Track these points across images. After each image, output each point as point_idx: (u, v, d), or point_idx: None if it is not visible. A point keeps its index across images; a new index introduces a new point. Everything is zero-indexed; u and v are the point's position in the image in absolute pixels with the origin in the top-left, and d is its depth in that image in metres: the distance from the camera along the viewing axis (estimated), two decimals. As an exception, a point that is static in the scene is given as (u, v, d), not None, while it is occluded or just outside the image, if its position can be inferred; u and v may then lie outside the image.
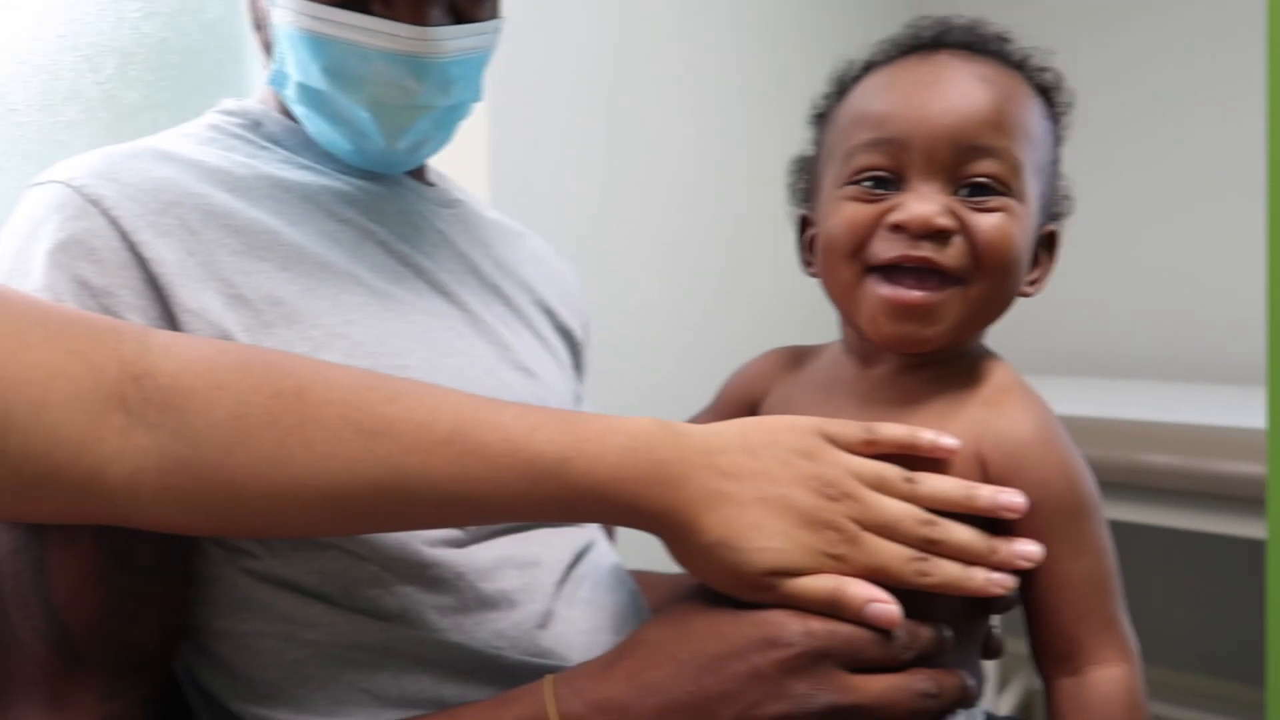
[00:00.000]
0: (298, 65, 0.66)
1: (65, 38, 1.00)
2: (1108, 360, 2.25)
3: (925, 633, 0.55)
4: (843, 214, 0.60)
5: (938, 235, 0.57)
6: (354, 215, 0.69)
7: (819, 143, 0.68)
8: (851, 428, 0.57)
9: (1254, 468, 1.44)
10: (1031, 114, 0.61)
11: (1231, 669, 2.08)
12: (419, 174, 0.80)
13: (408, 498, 0.51)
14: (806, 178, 0.69)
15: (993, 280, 0.58)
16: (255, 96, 0.76)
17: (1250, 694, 2.04)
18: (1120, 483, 1.53)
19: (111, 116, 1.02)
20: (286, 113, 0.73)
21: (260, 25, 0.69)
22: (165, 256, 0.58)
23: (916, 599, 0.53)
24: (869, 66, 0.66)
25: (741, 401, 0.73)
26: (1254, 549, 1.89)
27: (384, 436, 0.51)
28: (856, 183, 0.61)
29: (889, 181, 0.60)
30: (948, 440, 0.57)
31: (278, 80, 0.68)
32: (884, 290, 0.59)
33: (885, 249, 0.58)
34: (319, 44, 0.64)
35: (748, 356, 0.78)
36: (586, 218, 1.53)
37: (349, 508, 0.51)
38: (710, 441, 0.55)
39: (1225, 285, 2.12)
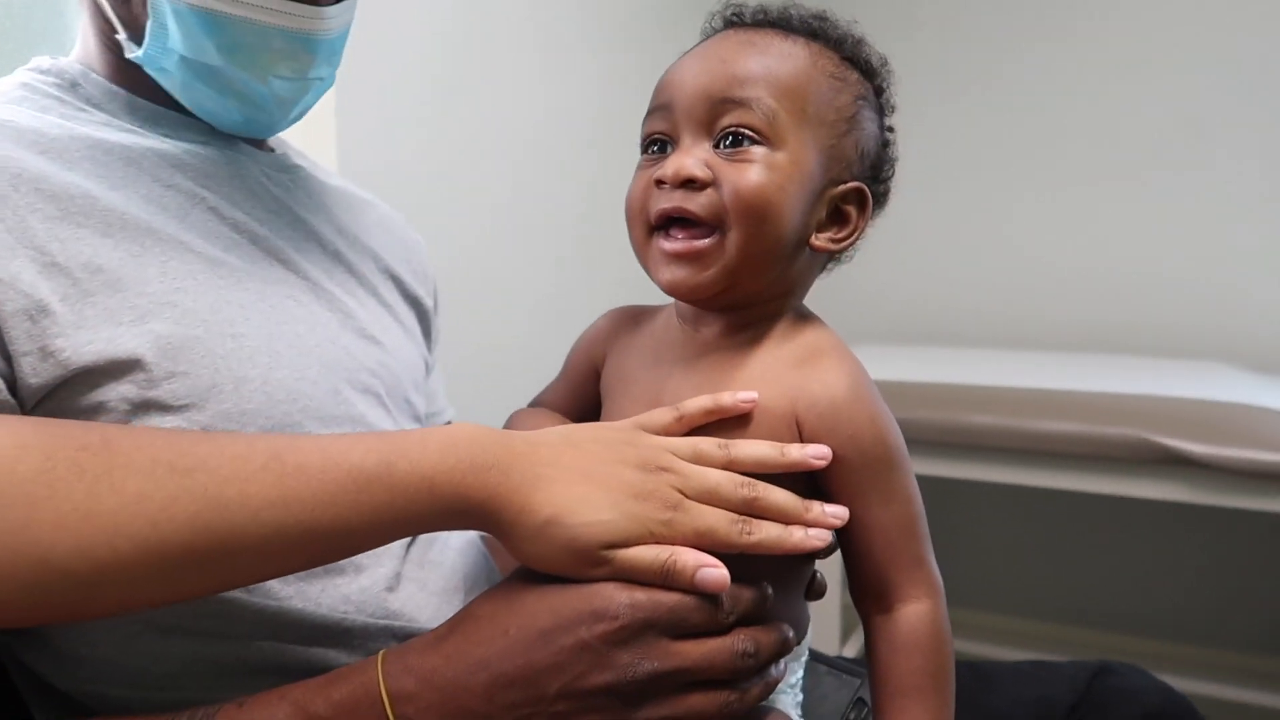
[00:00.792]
0: (187, 41, 0.64)
1: None
2: (938, 329, 2.39)
3: (747, 594, 0.58)
4: (634, 181, 0.65)
5: (691, 185, 0.61)
6: (181, 180, 0.67)
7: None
8: (659, 414, 0.62)
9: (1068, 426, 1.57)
10: (802, 70, 0.63)
11: (1040, 609, 2.26)
12: (258, 140, 0.78)
13: (230, 532, 0.50)
14: None
15: (747, 227, 0.60)
16: (72, 56, 0.72)
17: (1058, 632, 2.22)
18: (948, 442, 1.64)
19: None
20: (110, 75, 0.70)
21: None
22: None
23: (742, 556, 0.57)
24: None
25: (585, 367, 0.75)
26: (1065, 499, 2.05)
27: (198, 471, 0.50)
28: (644, 149, 0.66)
29: (667, 145, 0.64)
30: (745, 395, 0.61)
31: (152, 55, 0.66)
32: (658, 242, 0.63)
33: (654, 204, 0.63)
34: (216, 21, 0.63)
35: (604, 324, 0.79)
36: (435, 183, 1.51)
37: (168, 554, 0.48)
38: (531, 436, 0.58)
39: (1048, 256, 2.28)
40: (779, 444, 0.60)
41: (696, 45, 0.67)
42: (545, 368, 0.82)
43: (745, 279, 0.62)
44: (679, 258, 0.62)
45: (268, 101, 0.68)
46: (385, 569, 0.67)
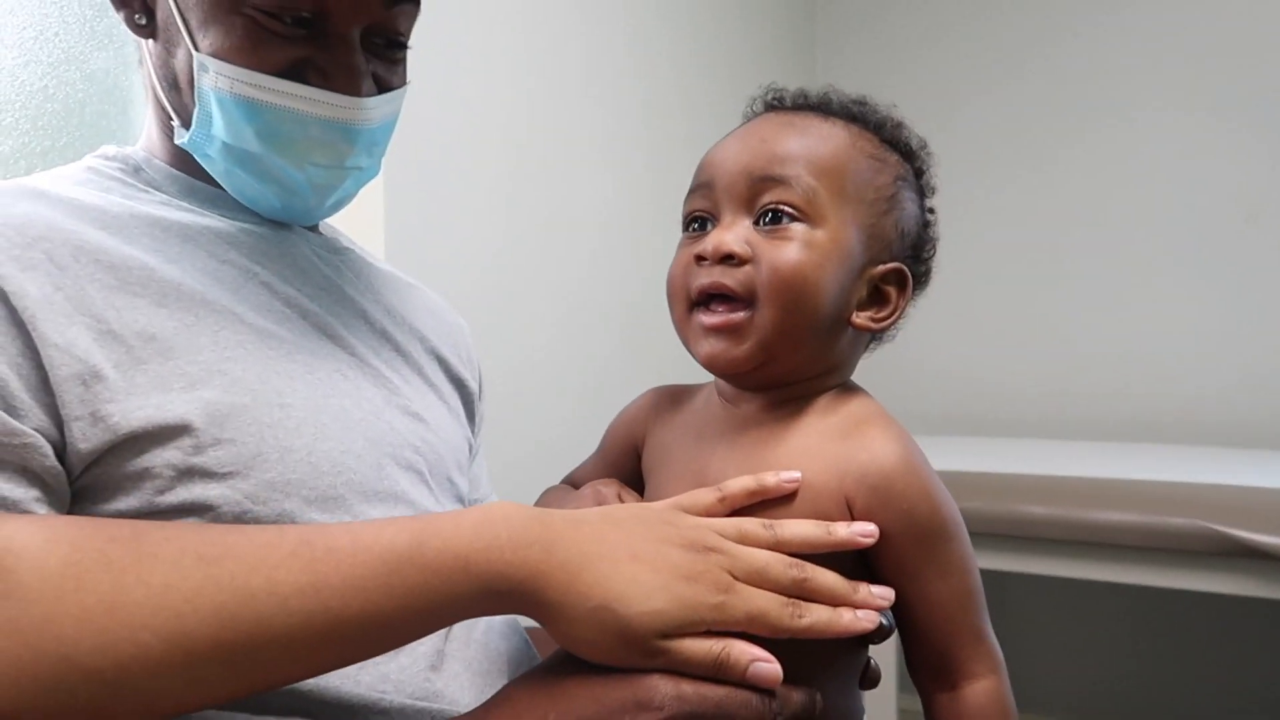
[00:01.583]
0: (229, 128, 0.67)
1: (-61, 86, 0.97)
2: (989, 420, 2.34)
3: (797, 695, 0.56)
4: (675, 258, 0.66)
5: (730, 261, 0.62)
6: (236, 256, 0.69)
7: None
8: (701, 494, 0.61)
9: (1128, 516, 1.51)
10: (843, 150, 0.64)
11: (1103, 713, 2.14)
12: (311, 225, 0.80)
13: (257, 623, 0.48)
14: None
15: (781, 303, 0.60)
16: (138, 145, 0.76)
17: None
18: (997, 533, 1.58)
19: (-15, 165, 0.98)
20: (171, 161, 0.73)
21: (177, 86, 0.69)
22: (28, 290, 0.57)
23: (794, 641, 0.55)
24: None
25: (624, 444, 0.75)
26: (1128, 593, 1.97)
27: (226, 559, 0.49)
28: (686, 227, 0.67)
29: (708, 222, 0.65)
30: (789, 475, 0.60)
31: (198, 141, 0.69)
32: (698, 317, 0.63)
33: (694, 280, 0.63)
34: (256, 109, 0.66)
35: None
36: (483, 272, 1.54)
37: (193, 649, 0.47)
38: (571, 514, 0.57)
39: (1099, 343, 2.24)
40: (826, 523, 0.58)
41: (738, 127, 0.68)
42: (589, 453, 0.81)
43: (782, 354, 0.62)
44: (716, 331, 0.62)
45: (304, 188, 0.70)
46: (427, 647, 0.65)
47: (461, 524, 0.53)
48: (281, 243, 0.74)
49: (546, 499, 0.75)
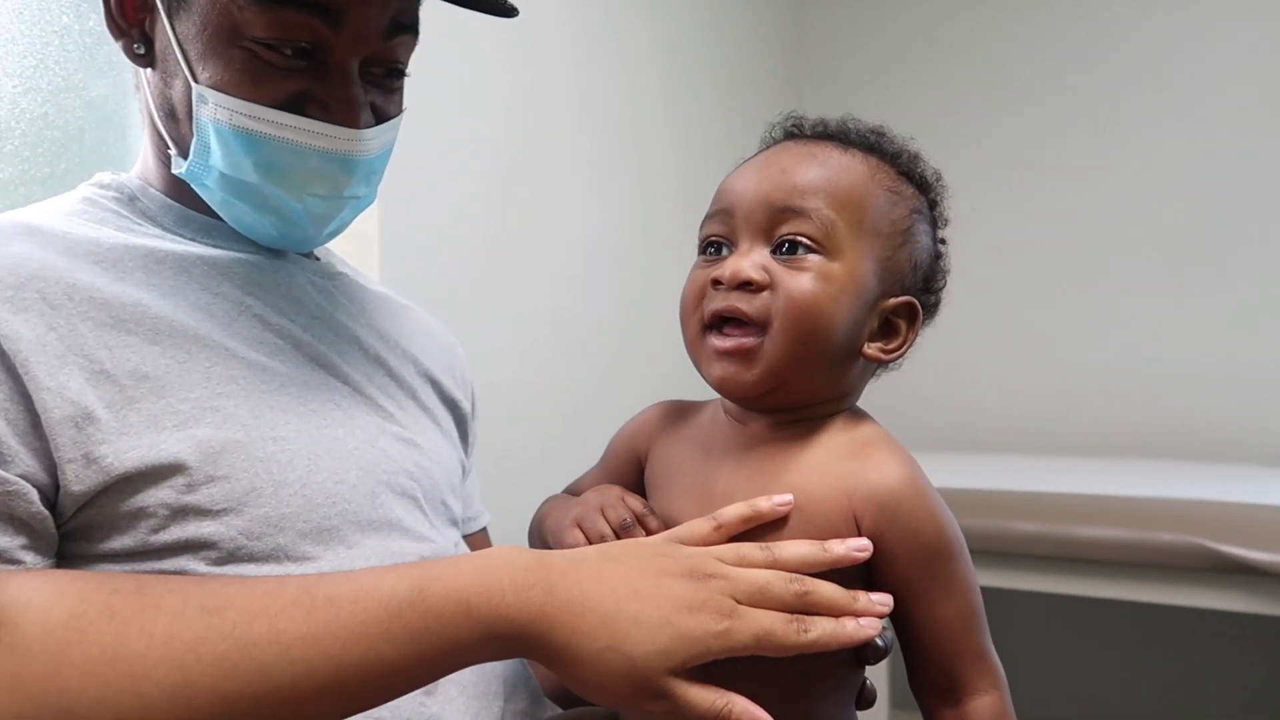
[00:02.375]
0: (226, 159, 0.67)
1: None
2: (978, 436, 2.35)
3: None
4: (689, 280, 0.67)
5: (746, 287, 0.62)
6: (229, 289, 0.69)
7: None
8: (696, 525, 0.61)
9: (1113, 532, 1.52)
10: (862, 183, 0.65)
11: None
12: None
13: (259, 672, 0.48)
14: None
15: (795, 332, 0.61)
16: (134, 171, 0.76)
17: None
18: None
19: (-16, 192, 0.99)
20: (166, 190, 0.74)
21: (175, 116, 0.70)
22: (21, 333, 0.57)
23: (796, 661, 0.56)
24: None
25: (627, 456, 0.75)
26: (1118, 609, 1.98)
27: (228, 610, 0.49)
28: (702, 250, 0.68)
29: (725, 247, 0.66)
30: (781, 499, 0.61)
31: (195, 171, 0.69)
32: (710, 339, 0.64)
33: (709, 303, 0.64)
34: (255, 141, 0.66)
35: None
36: (476, 290, 1.55)
37: (195, 701, 0.47)
38: (569, 554, 0.58)
39: (1087, 360, 2.25)
40: (821, 542, 0.60)
41: (757, 154, 0.69)
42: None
43: (792, 381, 0.63)
44: (728, 355, 0.63)
45: (302, 218, 0.70)
46: None
47: (462, 569, 0.54)
48: (276, 272, 0.74)
49: (548, 507, 0.75)
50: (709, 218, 0.67)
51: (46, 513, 0.56)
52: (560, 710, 0.75)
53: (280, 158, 0.67)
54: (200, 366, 0.63)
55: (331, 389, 0.72)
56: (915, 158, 0.69)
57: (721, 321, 0.64)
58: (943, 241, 0.70)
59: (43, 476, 0.56)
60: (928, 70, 2.47)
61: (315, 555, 0.64)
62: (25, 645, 0.46)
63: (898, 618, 0.62)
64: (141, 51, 0.70)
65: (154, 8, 0.68)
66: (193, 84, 0.67)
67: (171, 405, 0.61)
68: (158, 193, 0.73)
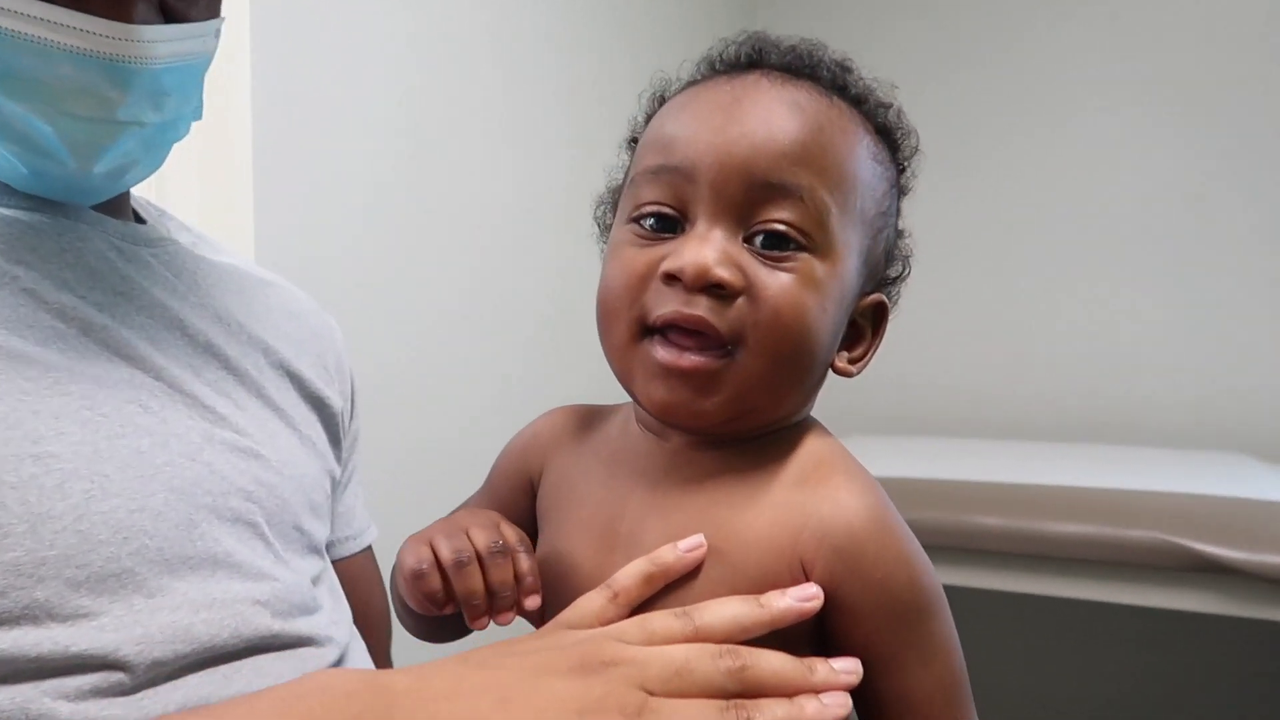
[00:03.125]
0: None
1: None
2: (930, 419, 2.25)
3: None
4: (618, 261, 0.50)
5: (716, 291, 0.47)
6: None
7: (625, 172, 0.57)
8: (586, 601, 0.49)
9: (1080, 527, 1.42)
10: (855, 153, 0.51)
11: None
12: (114, 206, 0.64)
13: None
14: (613, 214, 0.58)
15: (775, 353, 0.48)
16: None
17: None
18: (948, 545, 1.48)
19: None
20: None
21: None
22: None
23: None
24: (685, 86, 0.56)
25: (516, 478, 0.61)
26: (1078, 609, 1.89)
27: None
28: (638, 220, 0.51)
29: (673, 222, 0.50)
30: (689, 543, 0.48)
31: None
32: (657, 353, 0.49)
33: (658, 304, 0.48)
34: None
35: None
36: (372, 266, 1.38)
37: None
38: (418, 669, 0.46)
39: (1052, 340, 2.16)
40: (755, 596, 0.46)
41: (714, 83, 0.53)
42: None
43: (760, 409, 0.50)
44: (680, 375, 0.48)
45: (56, 147, 0.53)
46: None
47: (258, 708, 0.44)
48: (62, 234, 0.58)
49: (403, 551, 0.60)
50: (649, 174, 0.51)
51: None
52: None
53: (17, 59, 0.49)
54: None
55: (136, 386, 0.56)
56: (900, 113, 0.55)
57: (668, 327, 0.48)
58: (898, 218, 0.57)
59: None
60: (883, 42, 2.33)
61: (94, 610, 0.49)
62: None
63: (859, 692, 0.48)
64: None
65: None
66: None
67: None
68: None
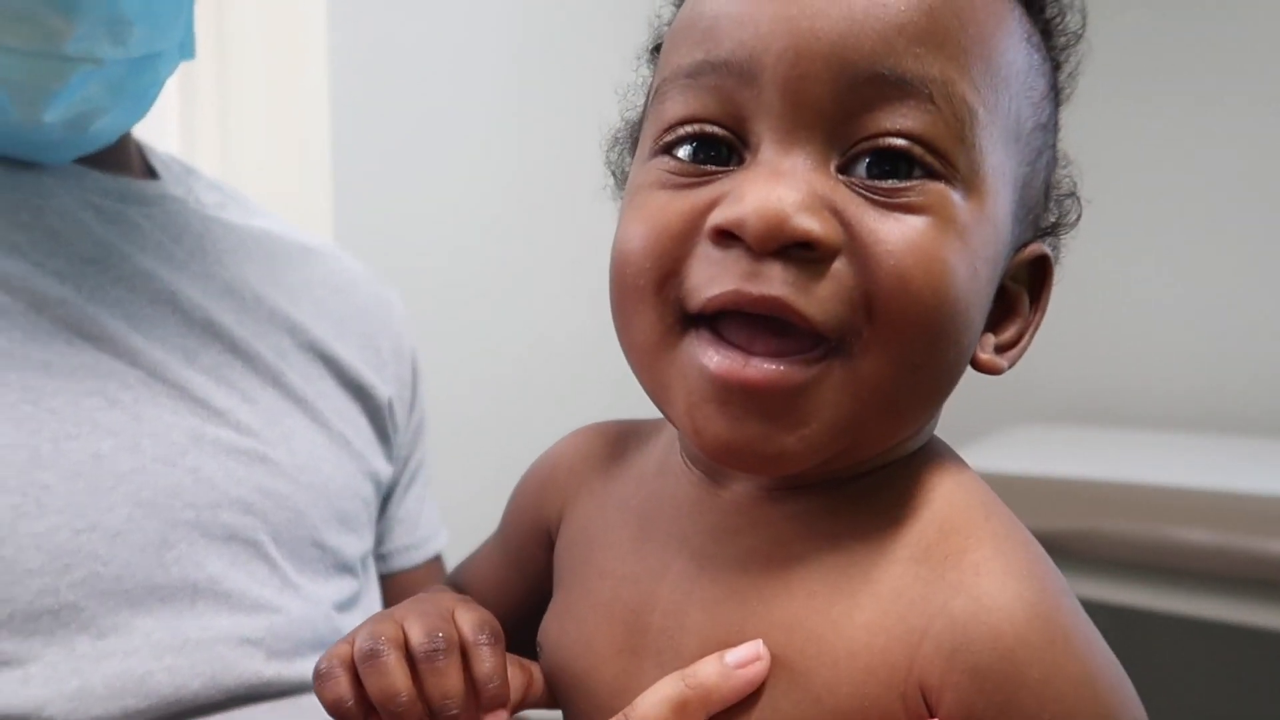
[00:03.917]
0: None
1: None
2: (1128, 408, 1.99)
3: None
4: (640, 213, 0.34)
5: (801, 252, 0.30)
6: None
7: (648, 92, 0.41)
8: None
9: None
10: (1005, 28, 0.34)
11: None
12: (107, 160, 0.55)
13: None
14: (631, 157, 0.42)
15: (900, 351, 0.31)
16: None
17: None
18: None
19: None
20: None
21: None
22: None
23: None
24: None
25: (531, 526, 0.46)
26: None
27: None
28: (669, 150, 0.34)
29: (724, 148, 0.33)
30: (743, 654, 0.32)
31: None
32: (708, 358, 0.32)
33: (707, 280, 0.32)
34: None
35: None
36: (462, 247, 1.29)
37: None
38: None
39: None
40: None
41: None
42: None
43: (874, 437, 0.33)
44: (750, 396, 0.31)
45: None
46: None
47: None
48: (17, 189, 0.49)
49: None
50: (688, 77, 0.33)
51: None
52: None
53: None
54: None
55: (101, 374, 0.48)
56: None
57: (723, 315, 0.32)
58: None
59: None
60: None
61: (18, 657, 0.42)
62: None
63: None
64: None
65: None
66: None
67: None
68: None
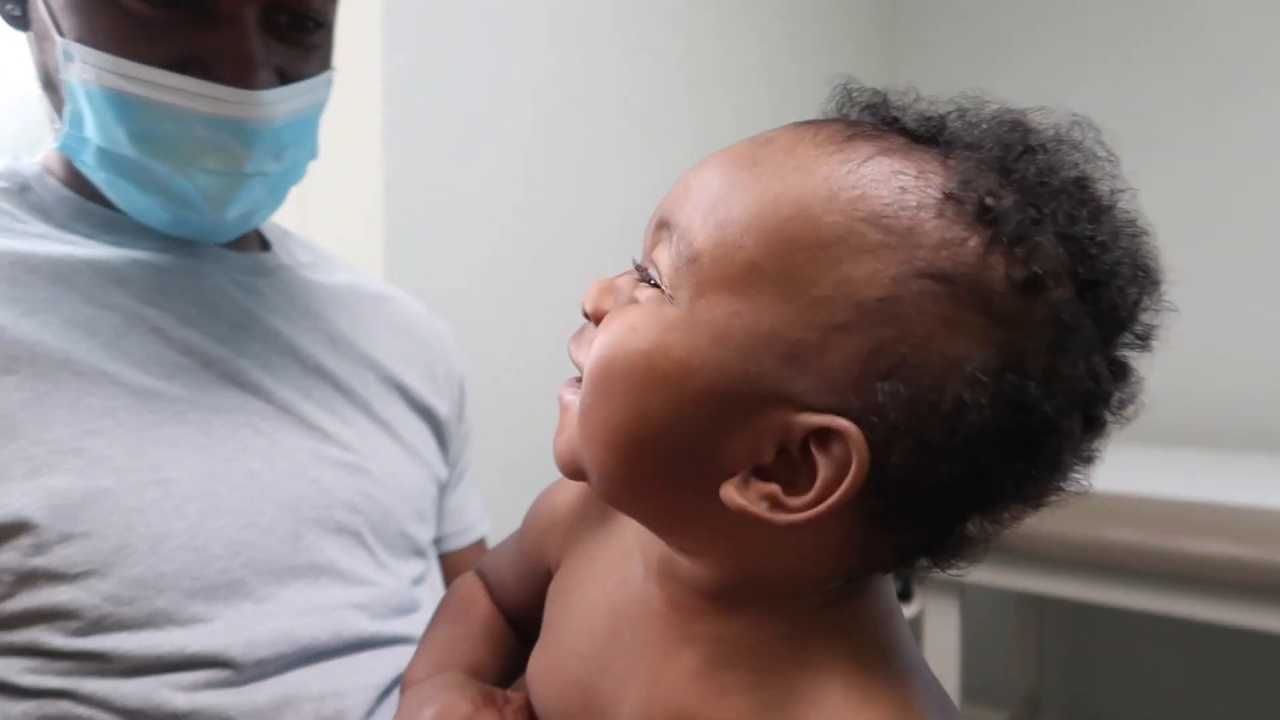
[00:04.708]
0: (100, 128, 0.57)
1: None
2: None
3: None
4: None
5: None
6: (121, 298, 0.60)
7: None
8: None
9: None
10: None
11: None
12: (240, 239, 0.70)
13: None
14: None
15: (587, 396, 0.38)
16: (39, 156, 0.67)
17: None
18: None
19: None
20: (66, 177, 0.64)
21: (52, 83, 0.60)
22: None
23: None
24: None
25: (537, 559, 0.55)
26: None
27: None
28: None
29: None
30: None
31: (71, 145, 0.59)
32: None
33: None
34: (128, 105, 0.56)
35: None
36: (502, 277, 1.39)
37: None
38: None
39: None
40: None
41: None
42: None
43: (614, 483, 0.40)
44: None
45: (195, 199, 0.59)
46: None
47: None
48: (186, 274, 0.64)
49: (413, 669, 0.56)
50: None
51: None
52: None
53: (159, 125, 0.56)
54: (67, 400, 0.54)
55: (250, 411, 0.62)
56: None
57: None
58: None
59: None
60: (1029, 43, 2.15)
61: (207, 616, 0.55)
62: None
63: None
64: (17, 13, 0.61)
65: None
66: (56, 38, 0.57)
67: (23, 449, 0.52)
68: (56, 181, 0.64)
